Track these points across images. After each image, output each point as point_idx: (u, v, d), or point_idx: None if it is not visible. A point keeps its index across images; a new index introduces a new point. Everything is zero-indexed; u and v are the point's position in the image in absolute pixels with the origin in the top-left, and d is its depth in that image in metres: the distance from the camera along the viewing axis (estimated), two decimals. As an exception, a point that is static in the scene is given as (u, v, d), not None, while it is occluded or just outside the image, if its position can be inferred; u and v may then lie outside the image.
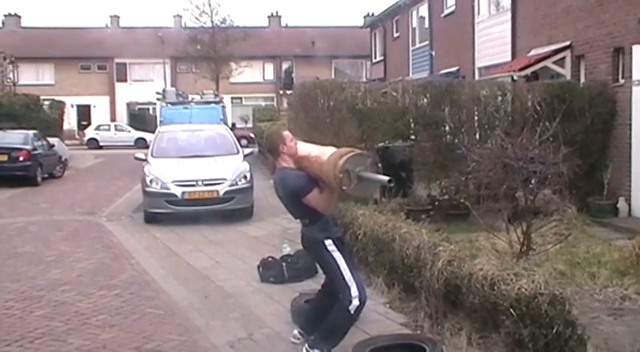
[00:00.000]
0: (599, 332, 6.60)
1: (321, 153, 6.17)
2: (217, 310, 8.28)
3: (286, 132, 6.46)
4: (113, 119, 57.10)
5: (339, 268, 6.16)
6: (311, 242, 6.37)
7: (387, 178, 5.95)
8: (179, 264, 10.89)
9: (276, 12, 68.63)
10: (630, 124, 13.29)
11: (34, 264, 10.89)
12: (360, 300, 6.10)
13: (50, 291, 9.20)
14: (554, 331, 5.40)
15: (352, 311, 6.10)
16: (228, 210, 14.40)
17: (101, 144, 47.73)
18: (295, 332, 6.75)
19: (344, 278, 6.12)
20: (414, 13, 32.33)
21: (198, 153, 15.87)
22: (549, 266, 8.66)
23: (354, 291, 6.08)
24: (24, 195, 20.19)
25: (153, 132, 24.51)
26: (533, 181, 9.01)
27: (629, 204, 13.26)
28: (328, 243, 6.20)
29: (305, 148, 6.41)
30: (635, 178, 13.16)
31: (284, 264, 9.53)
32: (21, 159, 22.25)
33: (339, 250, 6.21)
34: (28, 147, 22.79)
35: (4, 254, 11.82)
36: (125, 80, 60.99)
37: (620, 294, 7.80)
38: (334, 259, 6.17)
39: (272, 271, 9.52)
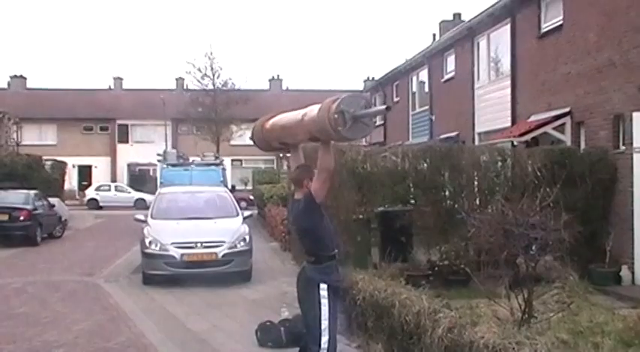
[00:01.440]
0: (603, 403, 6.46)
1: (309, 110, 6.15)
2: (214, 375, 8.15)
3: (315, 170, 6.54)
4: (114, 179, 57.20)
5: (320, 315, 6.14)
6: (307, 280, 6.38)
7: (384, 107, 5.83)
8: (176, 326, 10.76)
9: (277, 75, 69.16)
10: (632, 191, 13.26)
11: (30, 325, 10.77)
12: None
13: (45, 354, 9.08)
14: (558, 402, 5.29)
15: None
16: (226, 272, 14.29)
17: (101, 204, 47.67)
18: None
19: (320, 326, 6.11)
20: (414, 77, 32.64)
21: (197, 214, 15.84)
22: (551, 334, 8.51)
23: (324, 343, 6.09)
24: (23, 255, 20.09)
25: (153, 193, 24.54)
26: (534, 248, 8.93)
27: (632, 272, 13.15)
28: (322, 287, 6.20)
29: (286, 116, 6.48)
30: (638, 245, 13.08)
31: (282, 328, 9.41)
32: (21, 218, 22.27)
33: (329, 298, 6.17)
34: (28, 207, 22.82)
35: (0, 314, 11.69)
36: (127, 141, 61.29)
37: (624, 365, 7.67)
38: (320, 305, 6.17)
39: (270, 335, 9.40)
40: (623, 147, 13.76)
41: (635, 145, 13.19)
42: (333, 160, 6.25)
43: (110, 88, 66.38)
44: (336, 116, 5.71)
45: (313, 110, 6.04)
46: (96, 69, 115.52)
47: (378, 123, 39.78)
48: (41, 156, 36.33)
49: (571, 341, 8.51)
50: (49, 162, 37.86)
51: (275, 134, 6.77)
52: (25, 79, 64.79)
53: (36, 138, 56.62)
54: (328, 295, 6.20)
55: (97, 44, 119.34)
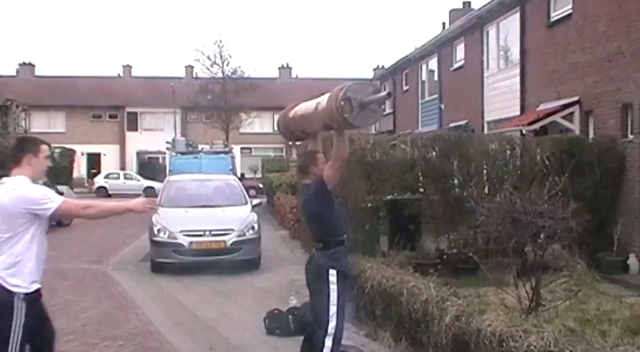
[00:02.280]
0: (610, 391, 6.46)
1: (322, 99, 6.16)
2: (222, 362, 8.19)
3: (320, 155, 6.58)
4: (123, 167, 57.32)
5: (328, 300, 6.16)
6: (315, 266, 6.40)
7: (385, 92, 5.84)
8: (185, 314, 10.80)
9: (287, 63, 69.12)
10: (640, 180, 13.26)
11: (39, 312, 10.81)
12: (333, 339, 6.14)
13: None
14: (564, 390, 5.30)
15: None
16: (235, 260, 14.32)
17: (110, 192, 47.73)
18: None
19: (328, 312, 6.13)
20: (424, 66, 32.60)
21: (206, 202, 15.87)
22: (559, 323, 8.52)
23: (331, 328, 6.10)
24: (31, 243, 20.10)
25: (162, 181, 24.57)
26: (542, 236, 8.93)
27: (640, 261, 13.16)
28: (332, 273, 6.21)
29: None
30: (646, 234, 13.08)
31: (290, 316, 9.44)
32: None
33: (337, 284, 6.19)
34: (36, 194, 22.84)
35: (9, 302, 11.74)
36: (136, 129, 61.41)
37: (632, 353, 7.67)
38: (329, 290, 6.18)
39: (278, 323, 9.44)
40: (631, 136, 13.74)
41: (644, 134, 13.18)
42: (348, 148, 6.24)
43: (119, 76, 66.46)
44: (342, 103, 5.70)
45: (324, 99, 6.06)
46: (105, 57, 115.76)
47: (387, 111, 39.80)
48: (50, 143, 36.24)
49: (578, 329, 8.49)
50: (57, 150, 37.91)
51: (296, 123, 6.79)
52: (34, 66, 64.82)
53: (44, 125, 56.69)
54: (337, 280, 6.21)
55: (107, 32, 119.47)
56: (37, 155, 5.68)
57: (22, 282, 5.32)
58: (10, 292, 5.25)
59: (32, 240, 5.39)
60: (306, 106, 6.58)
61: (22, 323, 5.28)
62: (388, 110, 39.54)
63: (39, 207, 5.33)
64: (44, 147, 5.81)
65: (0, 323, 5.23)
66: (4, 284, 5.26)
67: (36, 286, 5.45)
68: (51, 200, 5.37)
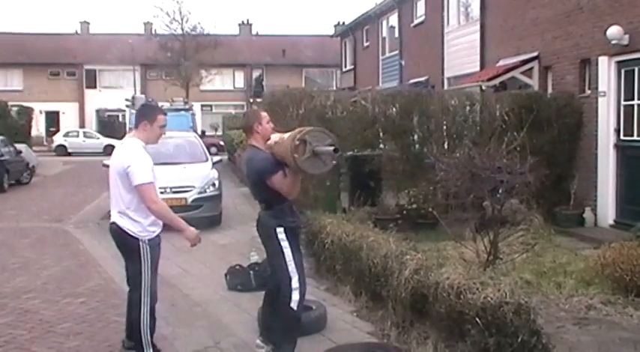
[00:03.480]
0: (565, 341, 6.63)
1: (291, 134, 6.18)
2: (184, 318, 8.22)
3: (264, 113, 6.61)
4: (82, 126, 56.70)
5: (284, 257, 6.22)
6: (264, 228, 6.44)
7: (332, 148, 5.87)
8: (146, 271, 10.78)
9: (247, 20, 68.66)
10: (596, 135, 13.43)
11: (-2, 271, 10.77)
12: (299, 293, 6.20)
13: (15, 299, 9.10)
14: (520, 340, 5.41)
15: (295, 307, 6.19)
16: (196, 217, 14.28)
17: (70, 150, 47.31)
18: (258, 340, 6.77)
19: (287, 269, 6.20)
20: (384, 22, 32.49)
21: (166, 160, 15.69)
22: (516, 275, 8.71)
23: (295, 283, 6.17)
24: (-11, 202, 19.96)
25: (121, 139, 24.37)
26: (500, 191, 9.06)
27: (595, 214, 13.38)
28: (279, 230, 6.25)
29: (278, 136, 6.45)
30: (601, 188, 13.29)
31: (251, 272, 9.49)
32: (-13, 165, 22.04)
33: (288, 240, 6.25)
34: (-6, 153, 22.57)
35: (-32, 261, 11.67)
36: (95, 87, 60.72)
37: (586, 304, 7.85)
38: (282, 248, 6.23)
39: (239, 279, 9.50)
40: (588, 92, 13.87)
41: (600, 89, 13.31)
42: (294, 192, 6.35)
43: (77, 33, 65.52)
44: (297, 143, 5.82)
45: (285, 135, 6.13)
46: (62, 13, 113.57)
47: (348, 67, 39.73)
48: (7, 102, 35.88)
49: (534, 281, 8.71)
50: (15, 108, 37.45)
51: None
52: (-11, 23, 63.64)
53: (1, 83, 56.14)
54: (287, 237, 6.25)
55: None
56: (153, 124, 6.35)
57: (145, 232, 6.21)
58: (137, 238, 6.18)
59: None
60: (279, 136, 6.53)
61: (150, 260, 6.24)
62: (349, 66, 39.51)
63: (132, 173, 6.03)
64: (161, 117, 6.45)
65: (133, 259, 6.27)
66: (130, 232, 6.16)
67: (157, 232, 6.40)
68: (142, 174, 6.05)
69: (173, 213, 6.49)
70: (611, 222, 13.16)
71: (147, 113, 6.43)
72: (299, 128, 6.12)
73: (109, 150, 43.81)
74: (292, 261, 6.19)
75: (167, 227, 6.51)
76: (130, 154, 6.12)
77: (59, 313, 8.44)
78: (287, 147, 5.91)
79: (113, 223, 6.27)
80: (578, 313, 7.64)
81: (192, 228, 6.47)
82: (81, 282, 10.04)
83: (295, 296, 6.16)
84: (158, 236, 6.38)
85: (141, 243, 6.16)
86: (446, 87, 22.48)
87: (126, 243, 6.22)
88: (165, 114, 6.56)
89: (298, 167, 5.95)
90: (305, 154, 5.86)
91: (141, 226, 6.18)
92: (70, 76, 60.24)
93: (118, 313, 8.31)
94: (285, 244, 6.20)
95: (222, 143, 41.71)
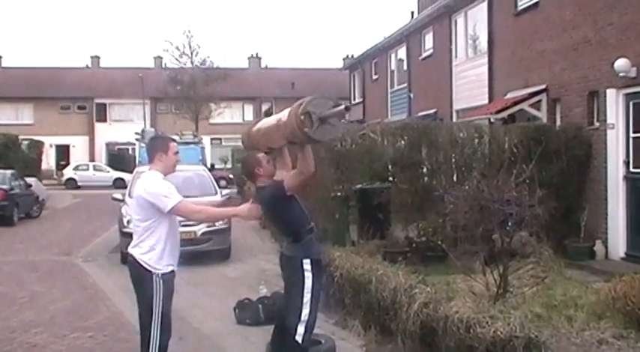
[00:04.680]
0: (576, 375, 6.56)
1: (283, 115, 6.17)
2: (192, 352, 8.20)
3: (261, 155, 6.61)
4: (92, 159, 56.89)
5: (303, 287, 6.17)
6: (289, 259, 6.39)
7: (343, 106, 5.82)
8: (155, 305, 10.75)
9: (256, 53, 68.93)
10: (606, 167, 13.40)
11: (6, 304, 10.76)
12: (306, 327, 6.14)
13: (23, 333, 9.09)
14: (530, 374, 5.37)
15: (300, 341, 6.13)
16: (205, 250, 14.30)
17: (79, 184, 47.39)
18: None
19: (302, 299, 6.14)
20: (393, 55, 32.64)
21: (176, 193, 15.77)
22: (526, 308, 8.63)
23: (304, 316, 6.11)
24: (-1, 235, 20.00)
25: (131, 172, 24.44)
26: (509, 223, 9.01)
27: (606, 247, 13.30)
28: (306, 261, 6.22)
29: (275, 118, 6.49)
30: (612, 221, 13.24)
31: (260, 305, 9.46)
32: (-2, 198, 22.10)
33: (312, 272, 6.21)
34: (5, 186, 22.65)
35: (-23, 295, 11.66)
36: (105, 120, 60.99)
37: (597, 338, 7.76)
38: (304, 278, 6.18)
39: (248, 313, 9.46)
40: (597, 124, 13.87)
41: (608, 121, 13.31)
42: (312, 164, 6.25)
43: (87, 67, 65.91)
44: (302, 117, 5.74)
45: (285, 114, 6.07)
46: (73, 47, 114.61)
47: (357, 100, 39.84)
48: (17, 135, 36.08)
49: (545, 314, 8.63)
50: (25, 142, 37.61)
51: (260, 139, 6.75)
52: (1, 57, 64.14)
53: (12, 117, 56.32)
54: (312, 269, 6.22)
55: (74, 22, 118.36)
56: (167, 152, 6.42)
57: (158, 265, 6.21)
58: (150, 271, 6.17)
59: (164, 229, 6.24)
60: (268, 122, 6.58)
61: (162, 294, 6.24)
62: (358, 99, 39.62)
63: (159, 202, 6.10)
64: (173, 144, 6.53)
65: (144, 292, 6.20)
66: (144, 265, 6.16)
67: (171, 268, 6.39)
68: (169, 198, 6.13)
69: (217, 209, 7.07)
70: (622, 254, 13.09)
71: (159, 144, 6.54)
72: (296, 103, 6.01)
73: (118, 183, 44.01)
74: (310, 293, 6.13)
75: (180, 261, 6.54)
76: (152, 185, 6.21)
77: (67, 348, 8.43)
78: (292, 125, 5.82)
79: (130, 254, 6.32)
80: (589, 347, 7.55)
81: (242, 207, 6.67)
82: (89, 316, 10.02)
83: (300, 329, 6.11)
84: (172, 271, 6.43)
85: (154, 277, 6.17)
86: (454, 119, 22.51)
87: (140, 274, 6.23)
88: (175, 141, 6.68)
89: (311, 139, 5.89)
90: (314, 125, 5.78)
91: (155, 259, 6.22)
92: (80, 109, 60.56)
93: (126, 347, 8.31)
94: (308, 275, 6.16)
95: (231, 176, 41.73)
